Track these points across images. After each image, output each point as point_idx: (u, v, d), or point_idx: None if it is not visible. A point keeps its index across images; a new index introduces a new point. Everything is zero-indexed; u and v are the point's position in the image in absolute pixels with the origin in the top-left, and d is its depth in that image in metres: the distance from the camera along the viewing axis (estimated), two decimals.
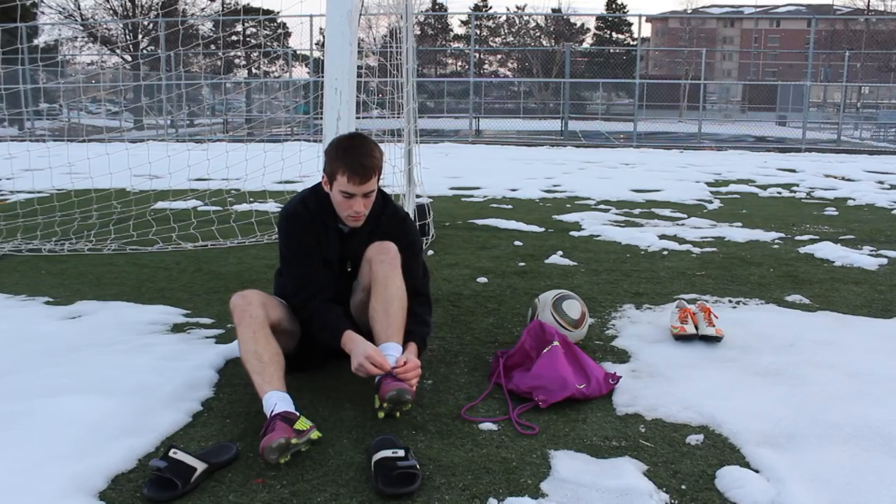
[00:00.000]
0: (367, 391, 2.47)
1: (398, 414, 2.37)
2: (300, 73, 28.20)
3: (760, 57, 52.31)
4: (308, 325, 2.55)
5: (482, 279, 4.16)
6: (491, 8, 60.51)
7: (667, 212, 6.84)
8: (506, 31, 53.08)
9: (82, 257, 4.77)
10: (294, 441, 2.06)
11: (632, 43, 49.35)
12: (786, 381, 2.68)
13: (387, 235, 2.64)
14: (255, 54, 27.56)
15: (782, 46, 60.15)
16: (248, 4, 38.14)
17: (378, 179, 2.53)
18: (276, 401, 2.20)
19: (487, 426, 2.34)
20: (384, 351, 2.43)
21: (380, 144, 2.59)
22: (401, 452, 2.00)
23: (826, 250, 4.98)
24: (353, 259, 2.64)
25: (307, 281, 2.56)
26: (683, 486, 2.00)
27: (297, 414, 2.16)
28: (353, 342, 2.43)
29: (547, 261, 4.66)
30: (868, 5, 42.37)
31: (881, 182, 9.79)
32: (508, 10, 63.73)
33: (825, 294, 3.92)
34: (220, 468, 2.05)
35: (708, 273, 4.36)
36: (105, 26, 30.33)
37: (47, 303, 3.71)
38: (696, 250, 5.04)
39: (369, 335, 2.51)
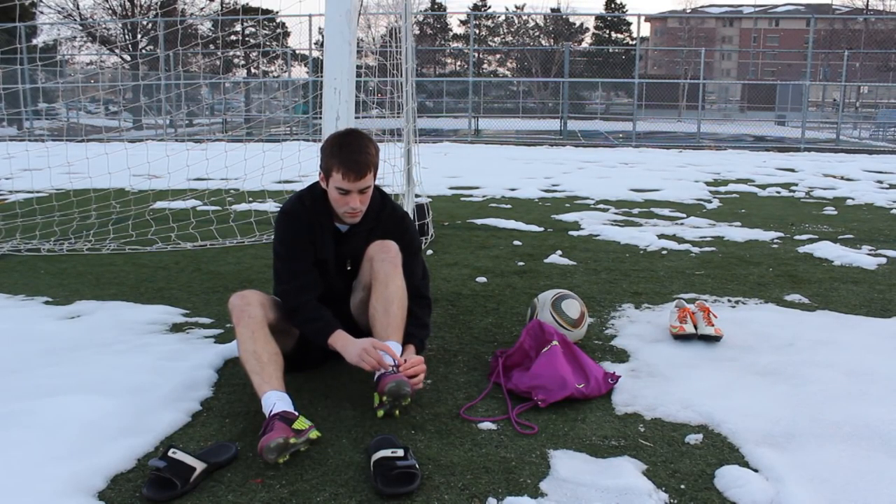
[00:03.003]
0: (366, 391, 2.47)
1: (397, 413, 2.37)
2: (299, 72, 28.18)
3: (759, 56, 52.38)
4: (294, 314, 2.51)
5: (481, 279, 4.16)
6: (490, 7, 60.52)
7: (666, 211, 6.85)
8: (505, 30, 53.08)
9: (81, 257, 4.76)
10: (293, 441, 2.06)
11: (631, 42, 49.36)
12: (785, 380, 2.68)
13: (386, 234, 2.64)
14: (254, 54, 27.55)
15: (781, 46, 60.20)
16: (247, 4, 38.10)
17: (374, 175, 2.53)
18: (275, 400, 2.20)
19: (486, 426, 2.34)
20: None
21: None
22: (400, 452, 2.00)
23: (825, 250, 4.98)
24: (353, 258, 2.64)
25: (297, 275, 2.55)
26: (682, 486, 2.00)
27: (296, 413, 2.16)
28: (344, 339, 2.43)
29: (546, 260, 4.66)
30: (867, 5, 42.38)
31: (880, 181, 9.79)
32: (507, 9, 63.81)
33: (824, 293, 3.92)
34: (219, 468, 2.05)
35: (707, 272, 4.36)
36: (104, 26, 30.30)
37: (46, 303, 3.71)
38: (696, 250, 5.04)
39: (369, 334, 2.51)
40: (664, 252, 4.97)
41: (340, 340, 2.43)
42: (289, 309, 2.52)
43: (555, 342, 2.66)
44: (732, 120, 26.05)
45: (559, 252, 4.87)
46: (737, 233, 5.69)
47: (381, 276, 2.50)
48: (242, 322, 2.36)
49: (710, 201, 7.61)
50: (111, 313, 3.48)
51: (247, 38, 31.75)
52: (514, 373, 2.65)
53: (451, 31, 56.32)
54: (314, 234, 2.58)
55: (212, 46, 21.36)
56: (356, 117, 3.97)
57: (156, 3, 29.35)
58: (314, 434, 2.14)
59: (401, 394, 2.29)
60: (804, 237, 5.55)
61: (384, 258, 2.53)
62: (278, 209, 2.65)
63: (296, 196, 2.64)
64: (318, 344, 2.48)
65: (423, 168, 5.70)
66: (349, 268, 2.66)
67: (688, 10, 57.68)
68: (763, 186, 9.00)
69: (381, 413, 2.35)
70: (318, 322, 2.48)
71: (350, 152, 2.45)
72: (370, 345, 2.36)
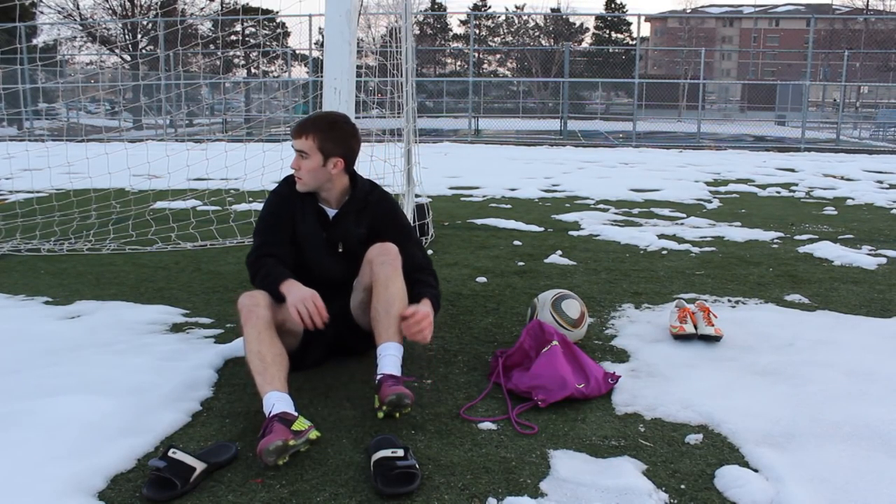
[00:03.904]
0: (366, 391, 2.48)
1: (398, 414, 2.37)
2: (299, 72, 28.18)
3: (759, 56, 52.38)
4: (254, 277, 2.59)
5: (481, 279, 4.16)
6: (490, 7, 60.52)
7: (666, 211, 6.85)
8: (505, 30, 53.09)
9: (81, 257, 4.76)
10: (291, 443, 2.05)
11: (631, 42, 49.36)
12: (785, 380, 2.68)
13: (376, 219, 2.72)
14: (255, 54, 27.53)
15: (781, 46, 60.22)
16: (247, 4, 38.10)
17: (318, 148, 2.62)
18: (275, 401, 2.20)
19: (487, 426, 2.34)
20: (384, 351, 2.44)
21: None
22: (400, 452, 2.00)
23: (825, 250, 4.98)
24: (344, 240, 2.70)
25: (266, 244, 2.64)
26: (683, 486, 2.00)
27: (295, 414, 2.16)
28: (292, 284, 2.46)
29: (546, 260, 4.66)
30: (867, 5, 42.39)
31: (880, 181, 9.79)
32: (507, 9, 63.82)
33: (824, 293, 3.92)
34: (219, 468, 2.05)
35: (707, 272, 4.36)
36: (104, 26, 30.30)
37: (46, 303, 3.71)
38: (696, 250, 5.04)
39: (370, 334, 2.53)
40: (664, 252, 4.97)
41: (288, 285, 2.47)
42: (251, 274, 2.60)
43: (555, 342, 2.66)
44: (732, 120, 26.05)
45: (559, 252, 4.87)
46: (737, 233, 5.69)
47: (381, 279, 2.52)
48: (250, 322, 2.38)
49: (710, 201, 7.61)
50: (111, 313, 3.48)
51: (247, 38, 31.75)
52: (514, 373, 2.65)
53: (451, 31, 56.38)
54: (294, 211, 2.68)
55: (212, 46, 21.35)
56: (356, 117, 3.97)
57: (156, 3, 29.34)
58: (314, 434, 2.14)
59: (401, 405, 2.30)
60: (804, 237, 5.55)
61: (384, 260, 2.55)
62: None
63: (285, 177, 2.77)
64: (274, 296, 2.48)
65: (423, 168, 5.69)
66: (341, 250, 2.71)
67: (688, 10, 57.80)
68: (763, 186, 9.00)
69: (381, 414, 2.35)
70: (272, 275, 2.52)
71: (307, 118, 2.65)
72: (310, 298, 2.39)
